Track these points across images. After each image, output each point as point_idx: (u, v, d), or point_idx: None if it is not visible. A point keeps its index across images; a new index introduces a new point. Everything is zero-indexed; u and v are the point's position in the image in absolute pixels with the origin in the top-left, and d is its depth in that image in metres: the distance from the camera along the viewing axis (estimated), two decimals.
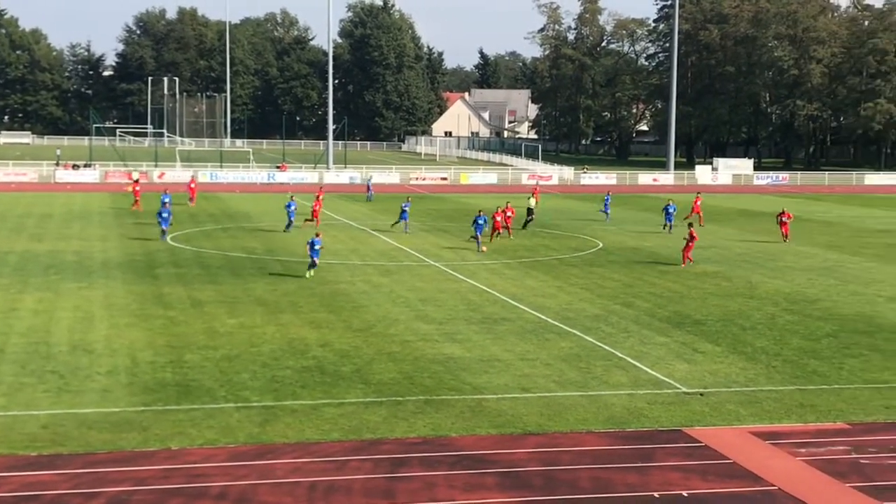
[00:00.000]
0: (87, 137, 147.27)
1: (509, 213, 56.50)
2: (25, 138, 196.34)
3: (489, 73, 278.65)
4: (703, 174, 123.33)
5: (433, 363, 27.54)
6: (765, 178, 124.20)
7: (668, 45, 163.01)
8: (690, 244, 47.27)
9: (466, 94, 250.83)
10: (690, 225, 49.45)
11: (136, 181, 76.69)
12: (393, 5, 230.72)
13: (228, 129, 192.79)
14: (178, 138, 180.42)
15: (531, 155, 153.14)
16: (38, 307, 34.16)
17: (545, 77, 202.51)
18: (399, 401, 23.92)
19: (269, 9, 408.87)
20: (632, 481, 19.09)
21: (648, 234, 60.46)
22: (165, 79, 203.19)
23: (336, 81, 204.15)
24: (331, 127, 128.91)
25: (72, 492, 17.94)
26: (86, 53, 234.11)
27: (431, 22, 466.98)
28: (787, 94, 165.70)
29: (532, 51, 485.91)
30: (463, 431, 21.85)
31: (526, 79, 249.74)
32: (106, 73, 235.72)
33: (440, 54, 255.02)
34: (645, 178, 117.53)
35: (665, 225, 61.18)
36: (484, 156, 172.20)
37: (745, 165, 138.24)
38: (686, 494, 18.52)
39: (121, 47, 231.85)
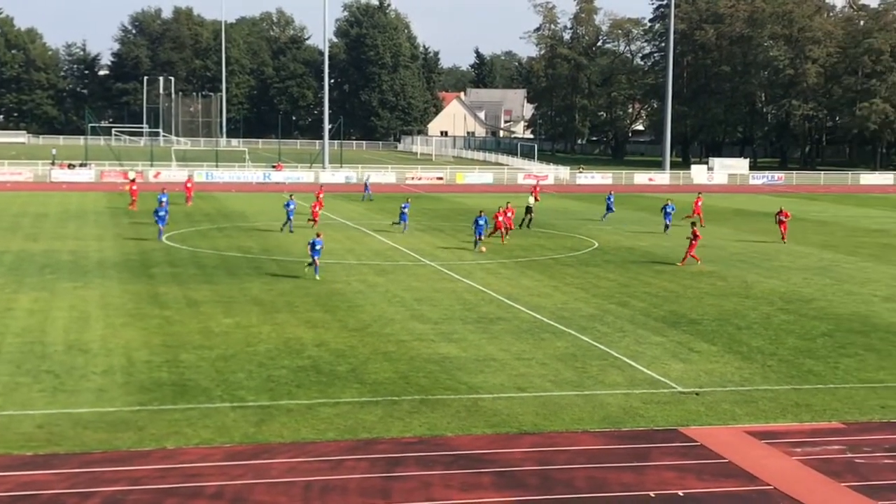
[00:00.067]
0: (82, 137, 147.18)
1: (510, 213, 56.32)
2: (21, 138, 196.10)
3: (485, 72, 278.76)
4: (698, 174, 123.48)
5: (429, 363, 27.54)
6: (760, 178, 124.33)
7: (663, 44, 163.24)
8: (694, 243, 47.25)
9: (462, 94, 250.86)
10: (693, 224, 49.50)
11: (133, 181, 76.63)
12: (389, 5, 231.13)
13: (224, 129, 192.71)
14: (173, 138, 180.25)
15: (527, 155, 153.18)
16: (33, 307, 34.13)
17: (541, 77, 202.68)
18: (395, 400, 23.92)
19: (265, 8, 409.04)
20: (627, 481, 19.10)
21: (644, 234, 60.49)
22: (161, 78, 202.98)
23: (332, 81, 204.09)
24: (326, 126, 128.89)
25: (67, 491, 17.93)
26: (81, 53, 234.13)
27: (427, 21, 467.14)
28: (782, 94, 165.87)
29: (528, 50, 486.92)
30: (459, 431, 21.85)
31: (522, 78, 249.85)
32: (101, 73, 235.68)
33: (436, 54, 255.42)
34: (641, 177, 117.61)
35: (666, 225, 60.98)
36: (480, 155, 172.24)
37: (740, 165, 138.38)
38: (682, 494, 18.53)
39: (116, 47, 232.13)
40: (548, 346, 29.86)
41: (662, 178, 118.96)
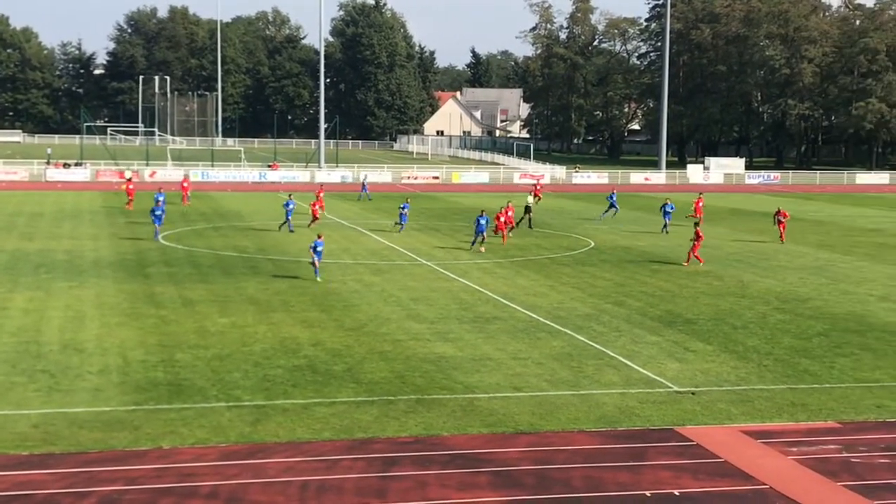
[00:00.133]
0: (78, 136, 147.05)
1: (510, 213, 56.20)
2: (16, 137, 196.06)
3: (481, 72, 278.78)
4: (694, 173, 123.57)
5: (425, 362, 27.53)
6: (756, 178, 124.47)
7: (659, 44, 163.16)
8: (697, 243, 47.26)
9: (458, 94, 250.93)
10: (696, 224, 49.54)
11: (130, 180, 76.59)
12: (384, 4, 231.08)
13: (220, 128, 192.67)
14: (169, 137, 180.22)
15: (523, 154, 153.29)
16: (28, 306, 34.09)
17: (537, 76, 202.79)
18: (391, 400, 23.91)
19: (261, 7, 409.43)
20: (623, 480, 19.10)
21: (641, 234, 60.51)
22: (157, 77, 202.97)
23: (328, 80, 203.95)
24: (322, 126, 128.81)
25: (63, 491, 17.90)
26: (77, 52, 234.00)
27: (423, 21, 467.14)
28: (778, 94, 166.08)
29: (524, 50, 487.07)
30: (455, 430, 21.84)
31: (518, 78, 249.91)
32: (97, 72, 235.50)
33: (432, 53, 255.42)
34: (637, 177, 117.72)
35: (664, 225, 60.89)
36: (476, 155, 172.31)
37: (736, 165, 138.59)
38: (678, 493, 18.53)
39: (112, 46, 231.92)
40: (544, 346, 29.85)
41: (658, 177, 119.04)
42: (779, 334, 32.33)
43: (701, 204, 65.53)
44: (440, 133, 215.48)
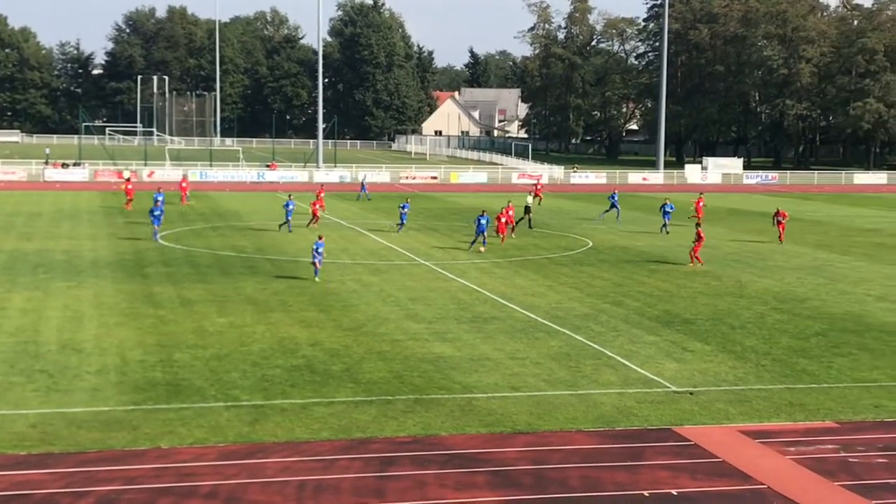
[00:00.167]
0: (76, 136, 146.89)
1: (511, 212, 56.12)
2: (14, 137, 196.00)
3: (479, 72, 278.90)
4: (692, 173, 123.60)
5: (423, 362, 27.54)
6: (754, 178, 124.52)
7: (657, 44, 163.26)
8: (698, 244, 47.29)
9: (456, 93, 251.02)
10: (698, 225, 49.59)
11: (128, 180, 76.56)
12: (383, 4, 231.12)
13: (218, 128, 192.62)
14: (167, 137, 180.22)
15: (521, 154, 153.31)
16: (26, 306, 34.08)
17: (535, 76, 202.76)
18: (389, 400, 23.92)
19: (259, 7, 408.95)
20: (621, 480, 19.11)
21: (639, 234, 60.53)
22: (155, 77, 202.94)
23: (326, 80, 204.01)
24: (321, 126, 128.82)
25: (61, 491, 17.90)
26: (75, 52, 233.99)
27: (421, 21, 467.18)
28: (776, 94, 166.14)
29: (522, 50, 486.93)
30: (453, 430, 21.85)
31: (516, 78, 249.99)
32: (95, 72, 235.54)
33: (430, 53, 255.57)
34: (635, 177, 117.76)
35: (663, 225, 60.91)
36: (474, 155, 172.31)
37: (734, 165, 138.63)
38: (675, 493, 18.55)
39: (110, 46, 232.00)
40: (542, 346, 29.87)
41: (656, 177, 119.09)
42: (777, 334, 32.35)
43: (702, 204, 65.55)
44: (438, 133, 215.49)
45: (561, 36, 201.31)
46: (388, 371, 26.50)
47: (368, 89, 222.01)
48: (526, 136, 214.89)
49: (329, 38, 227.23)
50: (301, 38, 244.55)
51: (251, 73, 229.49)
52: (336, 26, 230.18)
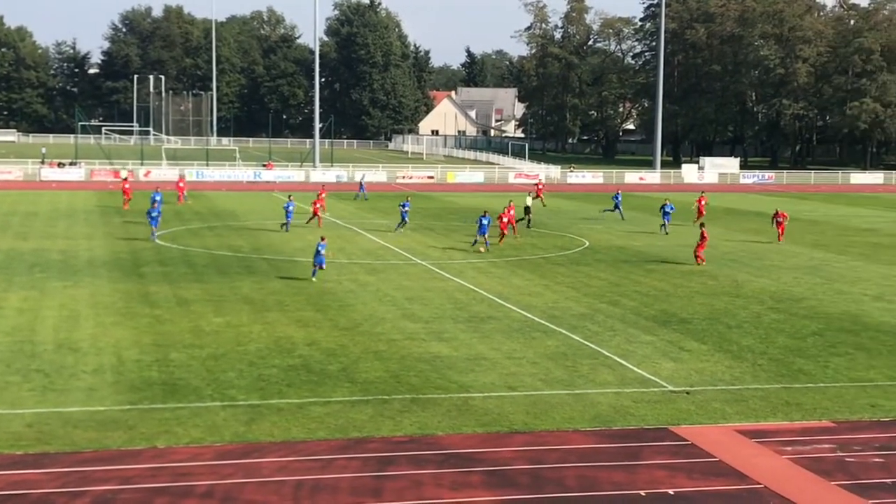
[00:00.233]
0: (72, 135, 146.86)
1: (512, 212, 56.07)
2: (10, 136, 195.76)
3: (476, 71, 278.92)
4: (689, 173, 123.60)
5: (420, 362, 27.52)
6: (751, 177, 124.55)
7: (654, 43, 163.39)
8: (702, 244, 47.30)
9: (453, 93, 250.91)
10: (702, 225, 49.60)
11: (126, 179, 76.46)
12: (379, 3, 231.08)
13: (214, 128, 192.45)
14: (164, 136, 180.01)
15: (518, 154, 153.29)
16: (22, 306, 34.04)
17: (532, 76, 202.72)
18: (385, 399, 23.90)
19: (256, 7, 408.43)
20: (618, 479, 19.11)
21: (635, 233, 60.53)
22: (151, 77, 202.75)
23: (322, 80, 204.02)
24: (317, 125, 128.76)
25: (57, 490, 17.88)
26: (71, 51, 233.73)
27: (418, 20, 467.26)
28: (773, 93, 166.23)
29: (519, 49, 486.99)
30: (449, 430, 21.84)
31: (513, 77, 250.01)
32: (91, 71, 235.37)
33: (427, 53, 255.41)
34: (631, 176, 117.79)
35: (662, 225, 60.91)
36: (471, 154, 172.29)
37: (731, 164, 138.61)
38: (672, 493, 18.54)
39: (106, 45, 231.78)
40: (538, 345, 29.86)
41: (653, 177, 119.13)
42: (773, 334, 32.36)
43: (703, 203, 65.72)
44: (435, 133, 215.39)
45: (558, 35, 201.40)
46: (385, 371, 26.49)
47: (365, 89, 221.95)
48: (522, 135, 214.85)
49: (325, 38, 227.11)
50: (297, 38, 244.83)
51: (248, 73, 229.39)
52: (332, 26, 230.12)
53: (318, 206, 59.05)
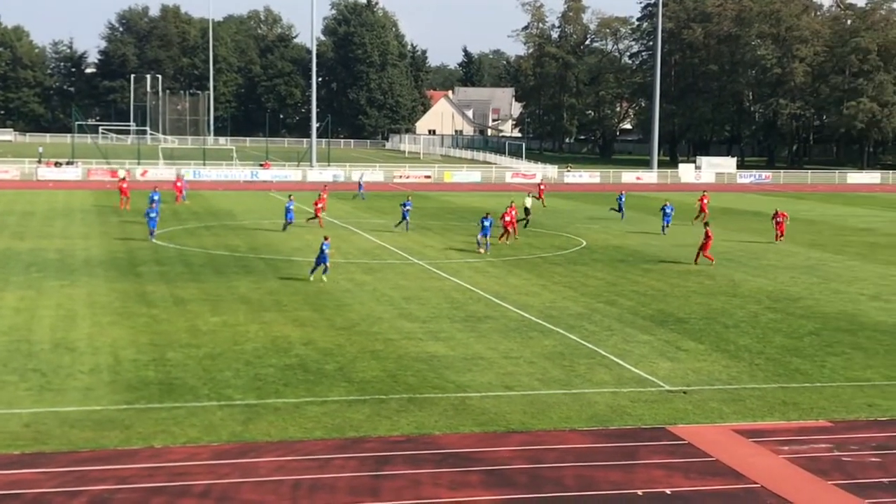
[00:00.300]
0: (69, 135, 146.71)
1: (513, 212, 56.04)
2: (7, 135, 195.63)
3: (473, 71, 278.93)
4: (686, 172, 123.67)
5: (417, 361, 27.52)
6: (748, 177, 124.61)
7: (651, 43, 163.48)
8: (707, 243, 47.30)
9: (450, 93, 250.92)
10: (707, 224, 49.61)
11: (124, 179, 76.40)
12: (376, 3, 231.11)
13: (211, 127, 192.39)
14: (160, 136, 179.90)
15: (515, 153, 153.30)
16: (19, 305, 34.01)
17: (529, 75, 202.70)
18: (382, 399, 23.89)
19: (253, 6, 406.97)
20: (615, 479, 19.11)
21: (633, 233, 60.54)
22: (148, 76, 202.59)
23: (320, 79, 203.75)
24: (314, 125, 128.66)
25: (54, 490, 17.86)
26: (68, 51, 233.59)
27: (415, 20, 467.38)
28: (770, 93, 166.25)
29: (516, 49, 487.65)
30: (447, 429, 21.83)
31: (510, 77, 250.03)
32: (88, 71, 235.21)
33: (424, 52, 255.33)
34: (629, 176, 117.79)
35: (663, 226, 60.90)
36: (468, 154, 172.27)
37: (728, 164, 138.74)
38: (669, 492, 18.55)
39: (103, 45, 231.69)
40: (536, 345, 29.86)
41: (650, 176, 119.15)
42: (770, 333, 32.37)
43: (706, 201, 65.87)
44: (432, 132, 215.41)
45: (555, 35, 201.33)
46: (382, 370, 26.48)
47: (362, 88, 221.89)
48: (520, 135, 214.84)
49: (323, 37, 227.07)
50: (294, 37, 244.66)
51: (245, 72, 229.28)
52: (330, 25, 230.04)
53: (319, 206, 59.08)
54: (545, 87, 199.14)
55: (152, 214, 52.55)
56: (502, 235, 53.24)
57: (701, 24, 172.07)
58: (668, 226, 60.49)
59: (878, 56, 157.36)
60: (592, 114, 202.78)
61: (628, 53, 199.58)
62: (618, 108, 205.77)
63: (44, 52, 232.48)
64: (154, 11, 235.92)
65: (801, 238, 59.46)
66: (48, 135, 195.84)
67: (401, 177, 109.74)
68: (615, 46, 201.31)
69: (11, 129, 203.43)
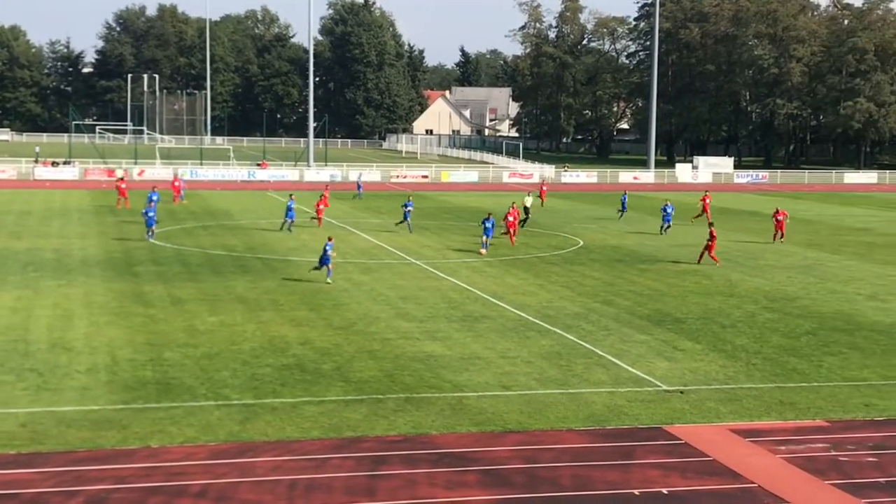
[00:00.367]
0: (66, 134, 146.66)
1: (516, 213, 56.00)
2: (4, 135, 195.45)
3: (470, 70, 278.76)
4: (683, 172, 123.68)
5: (414, 361, 27.52)
6: (745, 177, 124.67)
7: (648, 43, 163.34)
8: (712, 244, 47.30)
9: (447, 92, 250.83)
10: (711, 225, 49.63)
11: (122, 179, 76.37)
12: (374, 3, 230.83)
13: (209, 127, 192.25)
14: (158, 136, 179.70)
15: (512, 153, 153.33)
16: (16, 305, 33.98)
17: (526, 75, 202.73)
18: (379, 399, 23.89)
19: (250, 6, 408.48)
20: (612, 479, 19.12)
21: (630, 233, 60.56)
22: (145, 76, 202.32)
23: (317, 79, 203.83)
24: (311, 124, 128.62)
25: (51, 490, 17.85)
26: (65, 50, 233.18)
27: (412, 19, 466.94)
28: (767, 93, 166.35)
29: (513, 49, 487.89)
30: (443, 429, 21.84)
31: (507, 77, 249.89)
32: (85, 70, 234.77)
33: (421, 52, 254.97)
34: (626, 176, 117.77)
35: (662, 227, 60.82)
36: (465, 154, 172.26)
37: (725, 164, 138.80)
38: (666, 492, 18.56)
39: (100, 44, 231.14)
40: (533, 345, 29.87)
41: (647, 176, 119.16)
42: (767, 333, 32.40)
43: (708, 201, 66.04)
44: (429, 132, 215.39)
45: (552, 35, 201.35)
46: (379, 370, 26.48)
47: (359, 88, 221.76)
48: (517, 134, 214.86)
49: (320, 37, 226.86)
50: (292, 37, 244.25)
51: (242, 72, 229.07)
52: (327, 25, 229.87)
53: (321, 206, 59.09)
54: (542, 86, 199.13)
55: (150, 214, 52.47)
56: (507, 234, 53.28)
57: (698, 24, 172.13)
58: (668, 226, 60.44)
59: (875, 56, 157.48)
60: (589, 114, 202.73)
61: (625, 53, 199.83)
62: (615, 108, 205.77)
63: (41, 51, 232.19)
64: (151, 11, 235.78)
65: (798, 238, 59.48)
66: (45, 134, 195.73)
67: (398, 177, 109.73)
68: (612, 46, 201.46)
69: (8, 129, 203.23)
